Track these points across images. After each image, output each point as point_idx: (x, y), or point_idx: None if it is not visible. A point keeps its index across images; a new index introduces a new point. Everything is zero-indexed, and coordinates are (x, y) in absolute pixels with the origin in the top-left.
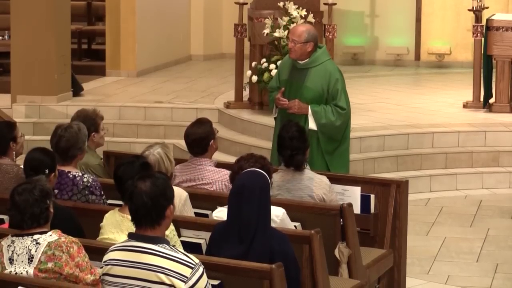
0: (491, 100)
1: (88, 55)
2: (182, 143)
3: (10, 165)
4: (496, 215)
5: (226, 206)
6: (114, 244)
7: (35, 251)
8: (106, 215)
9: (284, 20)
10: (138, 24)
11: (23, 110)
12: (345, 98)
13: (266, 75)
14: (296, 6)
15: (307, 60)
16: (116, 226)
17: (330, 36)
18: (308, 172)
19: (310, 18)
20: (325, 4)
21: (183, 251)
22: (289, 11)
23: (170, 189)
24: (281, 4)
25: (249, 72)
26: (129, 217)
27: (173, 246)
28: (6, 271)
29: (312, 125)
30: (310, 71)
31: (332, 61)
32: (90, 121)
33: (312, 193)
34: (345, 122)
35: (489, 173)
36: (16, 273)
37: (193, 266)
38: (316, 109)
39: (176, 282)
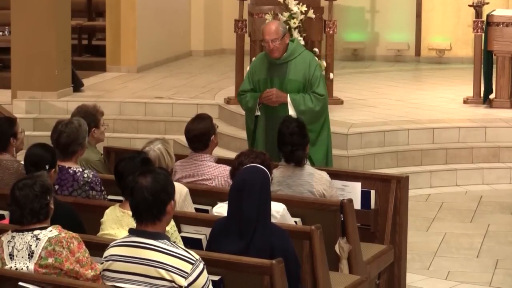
0: (492, 96)
1: (89, 51)
2: (182, 138)
3: (10, 161)
4: (497, 210)
5: (227, 202)
6: (114, 239)
7: (36, 246)
8: (107, 211)
9: (284, 16)
10: (138, 19)
11: (24, 106)
12: (323, 85)
13: None
14: (297, 2)
15: (285, 54)
16: (117, 221)
17: (331, 32)
18: (308, 167)
19: (311, 13)
20: None
21: (183, 247)
22: (289, 6)
23: (171, 185)
24: None
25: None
26: (130, 212)
27: (174, 242)
28: (6, 267)
29: (291, 112)
30: (291, 63)
31: (308, 51)
32: (91, 116)
33: (313, 188)
34: (324, 107)
35: (490, 169)
36: (16, 269)
37: (193, 262)
38: (295, 97)
39: (177, 277)
